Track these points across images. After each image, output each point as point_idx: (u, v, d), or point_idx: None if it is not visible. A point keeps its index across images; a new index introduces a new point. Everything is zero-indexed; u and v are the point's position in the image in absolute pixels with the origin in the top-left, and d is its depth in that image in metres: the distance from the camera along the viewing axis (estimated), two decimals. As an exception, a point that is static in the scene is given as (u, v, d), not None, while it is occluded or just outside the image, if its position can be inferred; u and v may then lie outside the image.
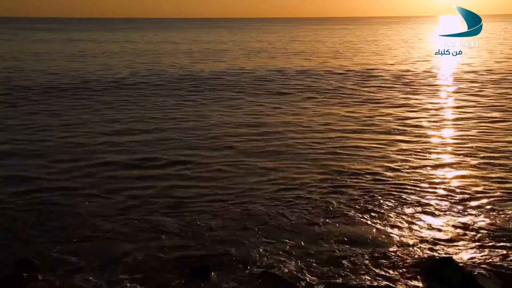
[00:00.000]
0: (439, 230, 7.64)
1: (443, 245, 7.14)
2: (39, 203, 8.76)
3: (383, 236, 7.43)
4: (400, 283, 6.16)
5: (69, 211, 8.42)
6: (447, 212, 8.28)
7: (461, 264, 6.46)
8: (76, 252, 7.00)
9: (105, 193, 9.27)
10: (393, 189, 9.31)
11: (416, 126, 14.52)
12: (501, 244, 7.13)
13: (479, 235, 7.44)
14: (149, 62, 33.08)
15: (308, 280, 6.23)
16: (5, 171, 10.50)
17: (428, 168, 10.59)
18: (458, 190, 9.24)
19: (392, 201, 8.77)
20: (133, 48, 47.74)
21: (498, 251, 6.93)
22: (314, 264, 6.61)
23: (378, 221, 7.93)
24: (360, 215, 8.17)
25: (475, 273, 6.20)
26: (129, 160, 11.31)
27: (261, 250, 7.02)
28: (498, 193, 9.08)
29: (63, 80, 23.88)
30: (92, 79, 24.47)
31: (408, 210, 8.36)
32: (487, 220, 7.93)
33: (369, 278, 6.26)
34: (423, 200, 8.79)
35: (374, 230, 7.64)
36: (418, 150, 11.95)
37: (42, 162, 11.16)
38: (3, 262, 6.67)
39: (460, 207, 8.47)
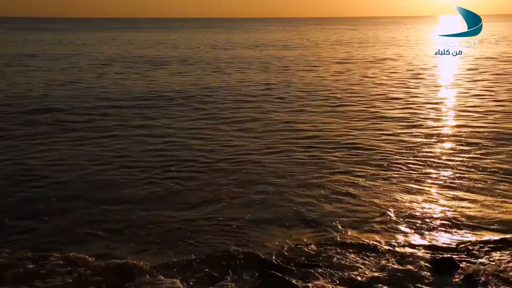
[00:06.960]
0: (439, 229, 7.66)
1: (443, 244, 7.15)
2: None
3: (383, 236, 7.45)
4: (399, 284, 6.16)
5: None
6: (447, 211, 8.29)
7: (461, 264, 6.47)
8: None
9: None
10: (393, 187, 9.33)
11: (416, 126, 14.54)
12: (503, 244, 7.14)
13: (479, 234, 7.45)
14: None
15: (309, 279, 6.24)
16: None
17: (429, 166, 10.60)
18: (458, 189, 9.26)
19: (391, 198, 8.79)
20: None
21: (499, 251, 6.94)
22: (314, 263, 6.62)
23: (378, 221, 7.96)
24: (362, 213, 8.21)
25: (476, 273, 6.21)
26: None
27: (261, 248, 7.04)
28: (501, 191, 9.11)
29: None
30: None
31: (408, 208, 8.38)
32: (489, 220, 7.94)
33: (368, 279, 6.26)
34: (423, 198, 8.81)
35: (374, 230, 7.67)
36: (419, 144, 11.99)
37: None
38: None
39: (460, 206, 8.49)
